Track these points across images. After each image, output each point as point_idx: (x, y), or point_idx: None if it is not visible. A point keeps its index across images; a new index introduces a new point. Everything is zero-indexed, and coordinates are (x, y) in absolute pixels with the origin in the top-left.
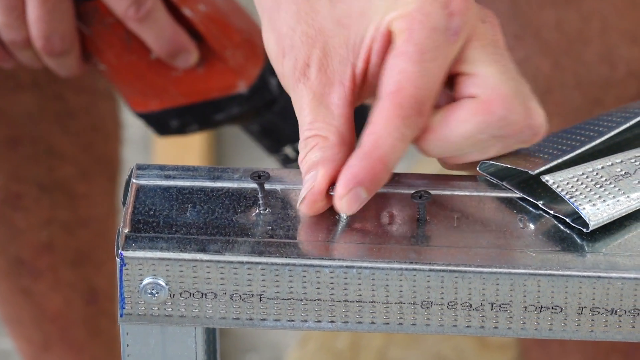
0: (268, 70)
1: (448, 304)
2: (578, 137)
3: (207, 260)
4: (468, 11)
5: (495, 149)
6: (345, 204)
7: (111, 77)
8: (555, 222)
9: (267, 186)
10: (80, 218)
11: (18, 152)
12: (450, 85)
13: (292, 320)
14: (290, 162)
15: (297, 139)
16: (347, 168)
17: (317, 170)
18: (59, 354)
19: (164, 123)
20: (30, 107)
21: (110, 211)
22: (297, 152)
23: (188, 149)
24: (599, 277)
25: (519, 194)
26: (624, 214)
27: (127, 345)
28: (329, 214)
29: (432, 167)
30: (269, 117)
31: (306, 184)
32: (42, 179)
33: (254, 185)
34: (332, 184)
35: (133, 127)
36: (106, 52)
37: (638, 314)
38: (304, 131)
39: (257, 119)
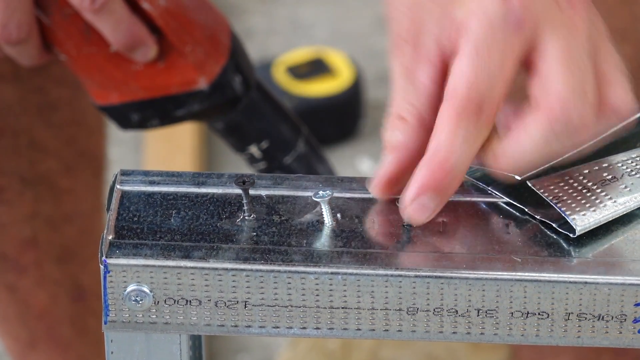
0: (232, 67)
1: (434, 310)
2: None
3: (192, 267)
4: None
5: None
6: (411, 213)
7: (72, 68)
8: (542, 228)
9: (252, 192)
10: (64, 214)
11: (0, 144)
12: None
13: (277, 327)
14: (256, 161)
15: (262, 138)
16: (413, 176)
17: (389, 156)
18: (46, 352)
19: (125, 116)
20: (11, 99)
21: (96, 208)
22: (262, 152)
23: (179, 149)
24: (586, 282)
25: (505, 199)
26: (610, 219)
27: (112, 353)
28: (312, 221)
29: None
30: (233, 115)
31: (379, 170)
32: (24, 172)
33: (238, 191)
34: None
35: None
36: (65, 43)
37: (625, 319)
38: (389, 108)
39: (221, 116)
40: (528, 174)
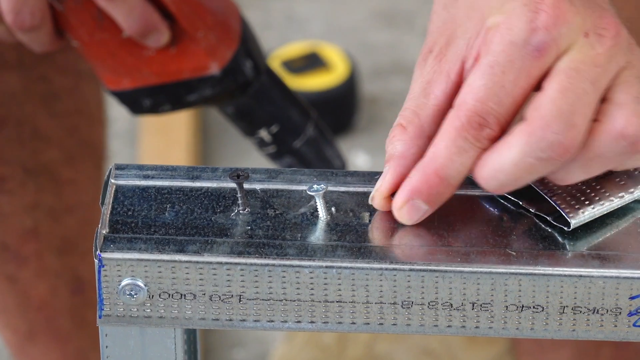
0: (243, 52)
1: (429, 303)
2: None
3: (186, 261)
4: (558, 27)
5: (556, 176)
6: (403, 214)
7: (84, 54)
8: (537, 221)
9: (246, 186)
10: (65, 204)
11: (3, 134)
12: None
13: (272, 321)
14: (265, 145)
15: (272, 122)
16: (406, 179)
17: (388, 167)
18: (44, 344)
19: (137, 102)
20: (15, 87)
21: (97, 199)
22: (272, 136)
23: (174, 143)
24: (581, 275)
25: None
26: (605, 212)
27: (107, 347)
28: (307, 214)
29: None
30: (244, 100)
31: (379, 181)
32: (27, 161)
33: (233, 184)
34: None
35: (120, 120)
36: (78, 29)
37: (620, 312)
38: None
39: (232, 101)
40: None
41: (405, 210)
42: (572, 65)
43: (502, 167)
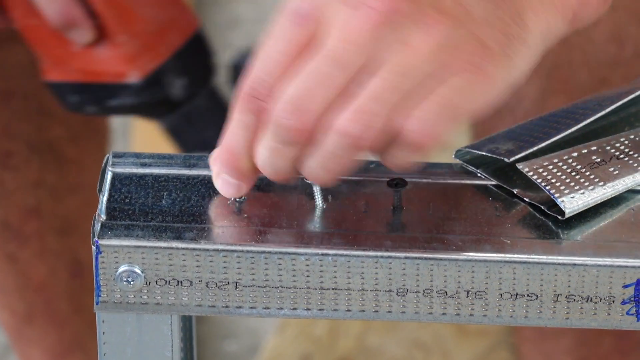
0: (173, 69)
1: (424, 291)
2: (554, 125)
3: (183, 248)
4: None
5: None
6: (219, 188)
7: (23, 37)
8: (531, 210)
9: None
10: (69, 184)
11: (10, 107)
12: None
13: (268, 308)
14: None
15: (204, 149)
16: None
17: None
18: (42, 327)
19: (64, 96)
20: (23, 60)
21: None
22: None
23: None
24: (575, 264)
25: (494, 182)
26: (599, 202)
27: (103, 333)
28: (305, 202)
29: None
30: (174, 119)
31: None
32: (32, 137)
33: None
34: None
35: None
36: (14, 11)
37: (613, 301)
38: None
39: (160, 117)
40: (516, 157)
41: (219, 184)
42: (327, 43)
43: (262, 153)
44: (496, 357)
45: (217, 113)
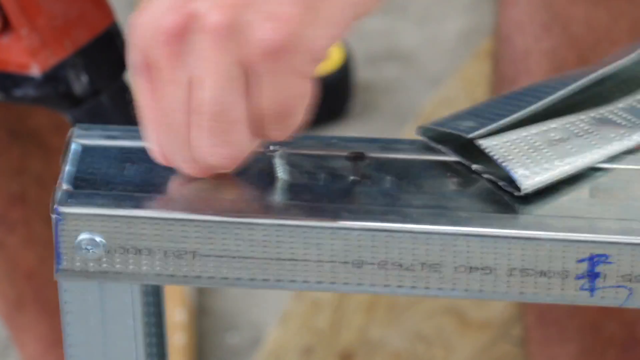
0: (76, 65)
1: (379, 263)
2: (517, 103)
3: (142, 217)
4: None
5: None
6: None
7: None
8: (489, 186)
9: None
10: (54, 172)
11: None
12: None
13: (226, 278)
14: None
15: None
16: None
17: None
18: (32, 314)
19: None
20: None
21: None
22: None
23: None
24: (528, 238)
25: (455, 158)
26: (557, 179)
27: (66, 302)
28: (265, 173)
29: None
30: (79, 114)
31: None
32: (13, 125)
33: None
34: None
35: None
36: None
37: (567, 276)
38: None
39: (64, 111)
40: (476, 133)
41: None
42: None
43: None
44: (498, 350)
45: (124, 111)
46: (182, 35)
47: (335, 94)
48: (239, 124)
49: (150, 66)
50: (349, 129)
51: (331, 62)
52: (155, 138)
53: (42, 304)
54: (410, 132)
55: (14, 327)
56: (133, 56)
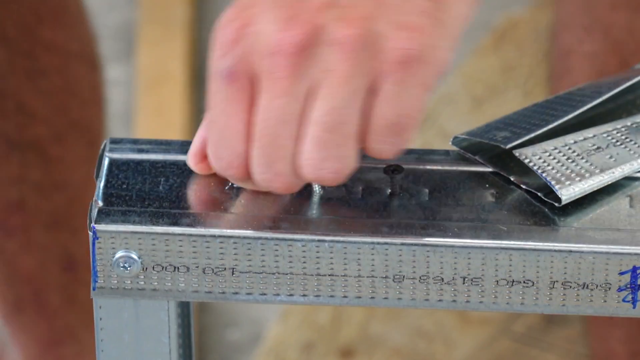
0: None
1: (420, 277)
2: (551, 112)
3: (180, 234)
4: (240, 46)
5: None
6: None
7: None
8: (528, 197)
9: None
10: (54, 181)
11: None
12: None
13: (265, 294)
14: None
15: None
16: None
17: None
18: (32, 317)
19: None
20: None
21: (90, 178)
22: None
23: (169, 125)
24: (570, 251)
25: (491, 169)
26: (595, 189)
27: (101, 319)
28: (302, 188)
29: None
30: None
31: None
32: (11, 134)
33: None
34: None
35: (115, 102)
36: None
37: (610, 288)
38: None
39: None
40: (513, 143)
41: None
42: (259, 104)
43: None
44: (499, 345)
45: None
46: (307, 48)
47: None
48: (352, 138)
49: (252, 76)
50: None
51: None
52: (230, 149)
53: (41, 306)
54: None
55: (13, 327)
56: (222, 63)
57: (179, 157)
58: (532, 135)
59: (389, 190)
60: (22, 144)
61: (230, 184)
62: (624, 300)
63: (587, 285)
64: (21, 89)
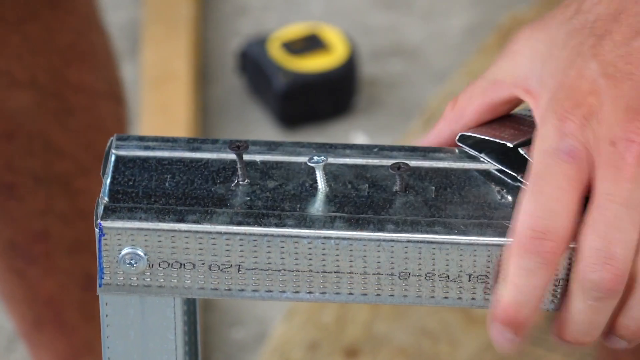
0: None
1: (426, 275)
2: None
3: (186, 231)
4: (584, 132)
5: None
6: (492, 338)
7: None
8: None
9: (246, 157)
10: (79, 210)
11: (13, 144)
12: None
13: (271, 291)
14: None
15: None
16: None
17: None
18: (51, 334)
19: None
20: (27, 104)
21: None
22: None
23: (174, 123)
24: (574, 247)
25: (497, 166)
26: None
27: (107, 316)
28: (308, 185)
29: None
30: None
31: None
32: (38, 171)
33: (233, 156)
34: None
35: None
36: None
37: None
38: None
39: None
40: (519, 141)
41: (492, 335)
42: (600, 189)
43: (574, 319)
44: None
45: None
46: None
47: (340, 89)
48: None
49: (590, 161)
50: (354, 124)
51: (337, 57)
52: (556, 221)
53: (60, 325)
54: (415, 128)
55: (32, 344)
56: (565, 142)
57: (185, 154)
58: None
59: (395, 188)
60: (49, 179)
61: (236, 181)
62: None
63: None
64: (49, 128)
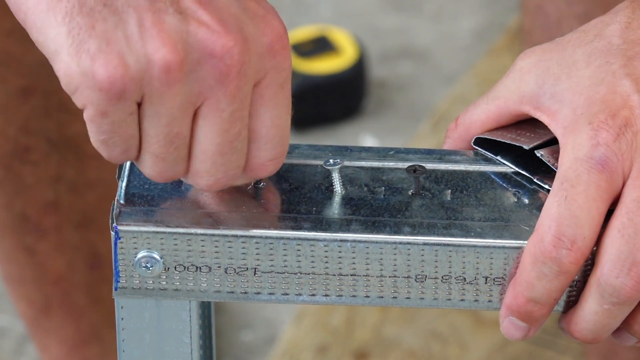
0: None
1: (442, 277)
2: None
3: (202, 234)
4: (618, 142)
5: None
6: (504, 329)
7: None
8: None
9: None
10: (87, 179)
11: (30, 104)
12: None
13: (287, 294)
14: None
15: None
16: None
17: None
18: (59, 318)
19: None
20: (43, 58)
21: None
22: None
23: None
24: (594, 251)
25: (513, 169)
26: None
27: (122, 319)
28: (323, 188)
29: (428, 142)
30: None
31: None
32: (52, 133)
33: None
34: None
35: None
36: None
37: None
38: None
39: None
40: (536, 143)
41: (505, 326)
42: (632, 196)
43: (586, 318)
44: (513, 348)
45: None
46: None
47: (349, 91)
48: None
49: (624, 174)
50: (363, 126)
51: (346, 59)
52: (580, 229)
53: (68, 307)
54: (424, 130)
55: (38, 330)
56: (598, 150)
57: None
58: (554, 135)
59: (411, 190)
60: (61, 143)
61: (252, 183)
62: None
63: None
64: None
